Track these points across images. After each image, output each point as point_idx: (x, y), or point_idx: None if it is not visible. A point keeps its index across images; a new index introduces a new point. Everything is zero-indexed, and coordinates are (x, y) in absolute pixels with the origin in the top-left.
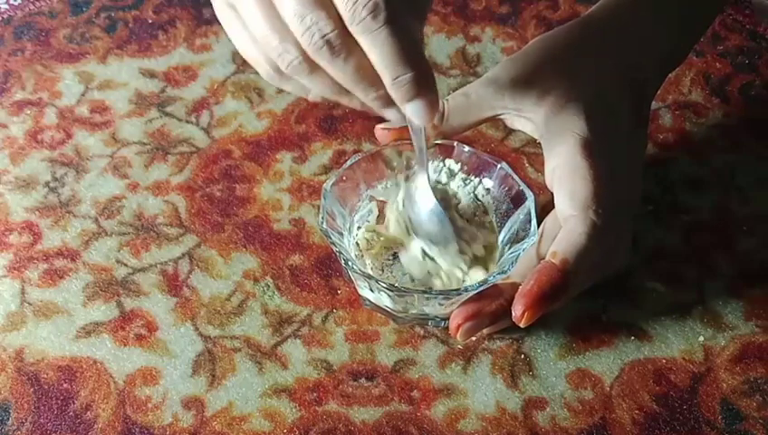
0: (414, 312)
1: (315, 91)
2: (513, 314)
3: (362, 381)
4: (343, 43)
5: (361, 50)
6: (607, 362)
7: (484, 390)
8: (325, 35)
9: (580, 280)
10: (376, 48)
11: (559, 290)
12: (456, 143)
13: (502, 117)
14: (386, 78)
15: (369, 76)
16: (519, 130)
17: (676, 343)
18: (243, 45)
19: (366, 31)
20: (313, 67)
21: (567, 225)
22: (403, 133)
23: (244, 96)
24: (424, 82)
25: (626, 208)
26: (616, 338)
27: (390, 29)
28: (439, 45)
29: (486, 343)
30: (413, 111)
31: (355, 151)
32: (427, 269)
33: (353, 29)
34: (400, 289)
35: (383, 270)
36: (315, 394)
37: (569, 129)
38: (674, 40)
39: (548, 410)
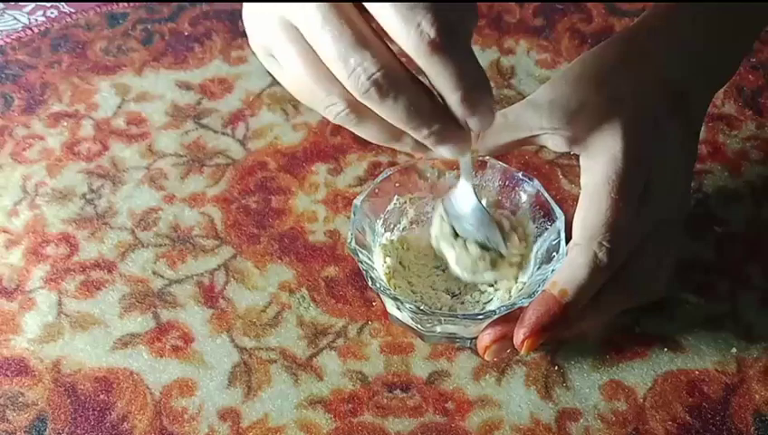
0: (440, 331)
1: (367, 137)
2: (514, 341)
3: (397, 392)
4: (392, 82)
5: (412, 86)
6: (640, 374)
7: (518, 401)
8: (372, 75)
9: (606, 309)
10: (446, 69)
11: (558, 321)
12: (488, 159)
13: (538, 138)
14: (454, 97)
15: (421, 113)
16: (556, 151)
17: (709, 355)
18: (292, 90)
19: (435, 53)
20: (362, 115)
21: (570, 253)
22: None
23: (280, 108)
24: (487, 92)
25: (666, 227)
26: (649, 350)
27: (457, 48)
28: None
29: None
30: (477, 122)
31: (390, 163)
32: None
33: (419, 52)
34: (425, 311)
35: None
36: (350, 405)
37: (606, 147)
38: (719, 52)
39: (581, 421)
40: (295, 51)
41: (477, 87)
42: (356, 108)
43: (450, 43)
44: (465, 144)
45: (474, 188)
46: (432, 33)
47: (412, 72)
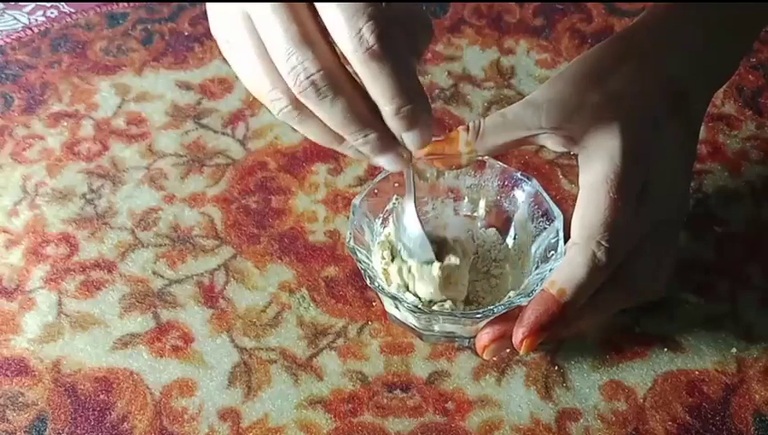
0: (438, 330)
1: (309, 137)
2: (513, 340)
3: (397, 392)
4: (330, 84)
5: (351, 90)
6: (640, 374)
7: (518, 401)
8: (311, 76)
9: (604, 308)
10: (381, 78)
11: (556, 320)
12: (487, 158)
13: (537, 137)
14: (388, 109)
15: (357, 119)
16: (555, 150)
17: (709, 355)
18: (242, 79)
19: (371, 60)
20: (303, 113)
21: (569, 252)
22: (437, 147)
23: None
24: (424, 111)
25: (666, 227)
26: (649, 350)
27: (396, 59)
28: (474, 57)
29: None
30: (411, 140)
31: None
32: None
33: (356, 57)
34: (423, 310)
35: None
36: (350, 405)
37: (604, 147)
38: (718, 52)
39: (581, 421)
40: (249, 41)
41: (412, 102)
42: (298, 105)
43: (388, 54)
44: (401, 159)
45: (414, 206)
46: (371, 40)
47: (354, 78)
